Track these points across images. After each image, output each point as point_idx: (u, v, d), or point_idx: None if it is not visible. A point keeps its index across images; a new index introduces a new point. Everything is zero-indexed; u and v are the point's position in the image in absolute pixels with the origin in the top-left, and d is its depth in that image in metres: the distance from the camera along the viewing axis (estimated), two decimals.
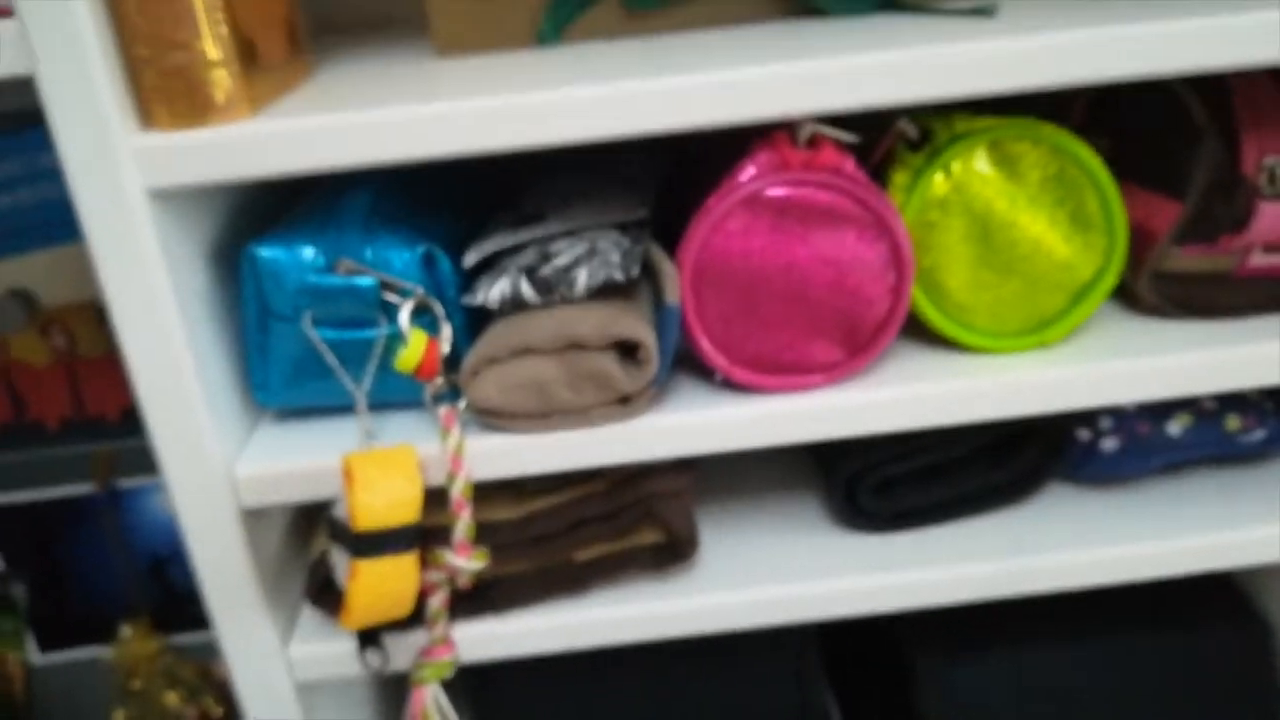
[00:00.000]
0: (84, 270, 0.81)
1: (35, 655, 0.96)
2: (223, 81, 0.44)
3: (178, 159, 0.44)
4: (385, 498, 0.47)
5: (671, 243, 0.52)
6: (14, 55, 0.42)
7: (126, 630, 0.90)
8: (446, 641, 0.51)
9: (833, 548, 0.57)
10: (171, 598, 0.92)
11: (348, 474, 0.47)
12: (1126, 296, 0.55)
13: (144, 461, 0.87)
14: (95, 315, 0.81)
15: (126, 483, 0.88)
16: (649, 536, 0.55)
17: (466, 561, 0.48)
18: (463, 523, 0.48)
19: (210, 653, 0.94)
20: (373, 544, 0.47)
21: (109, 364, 0.83)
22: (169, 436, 0.49)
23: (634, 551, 0.55)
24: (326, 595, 0.53)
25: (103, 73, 0.42)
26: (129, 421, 0.85)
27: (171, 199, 0.46)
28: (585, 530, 0.54)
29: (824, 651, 0.66)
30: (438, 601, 0.50)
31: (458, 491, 0.48)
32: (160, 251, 0.45)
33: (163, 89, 0.43)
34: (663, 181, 0.58)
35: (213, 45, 0.43)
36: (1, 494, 0.87)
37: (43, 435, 0.86)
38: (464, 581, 0.49)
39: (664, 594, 0.55)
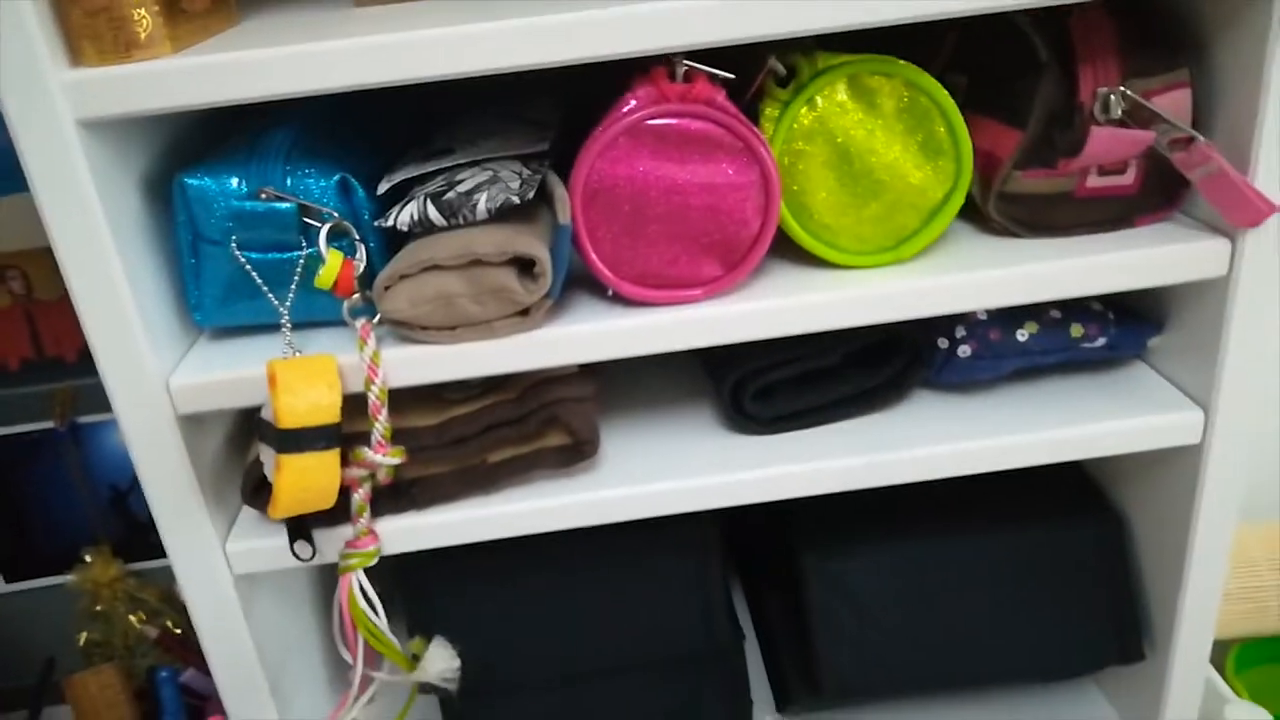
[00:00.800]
0: (38, 217, 0.85)
1: (1, 585, 1.01)
2: (144, 20, 0.48)
3: (104, 92, 0.48)
4: (306, 400, 0.52)
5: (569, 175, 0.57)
6: None
7: (88, 557, 0.95)
8: (370, 533, 0.57)
9: (721, 447, 0.64)
10: (132, 528, 0.98)
11: (271, 378, 0.52)
12: (978, 217, 0.61)
13: (102, 399, 0.92)
14: (51, 260, 0.85)
15: (86, 419, 0.93)
16: (555, 439, 0.61)
17: (384, 458, 0.54)
18: (379, 424, 0.54)
19: (172, 577, 1.00)
20: (295, 441, 0.52)
21: (65, 307, 0.87)
22: (110, 353, 0.54)
23: (542, 452, 0.61)
24: (260, 494, 0.59)
25: (31, 13, 0.47)
26: (86, 361, 0.90)
27: (103, 130, 0.51)
28: (497, 433, 0.60)
29: (732, 558, 0.73)
30: (360, 496, 0.56)
31: (374, 396, 0.54)
32: (93, 179, 0.50)
33: (89, 27, 0.48)
34: (563, 121, 0.63)
35: None
36: None
37: (4, 376, 0.91)
38: (383, 477, 0.55)
39: (570, 489, 0.61)
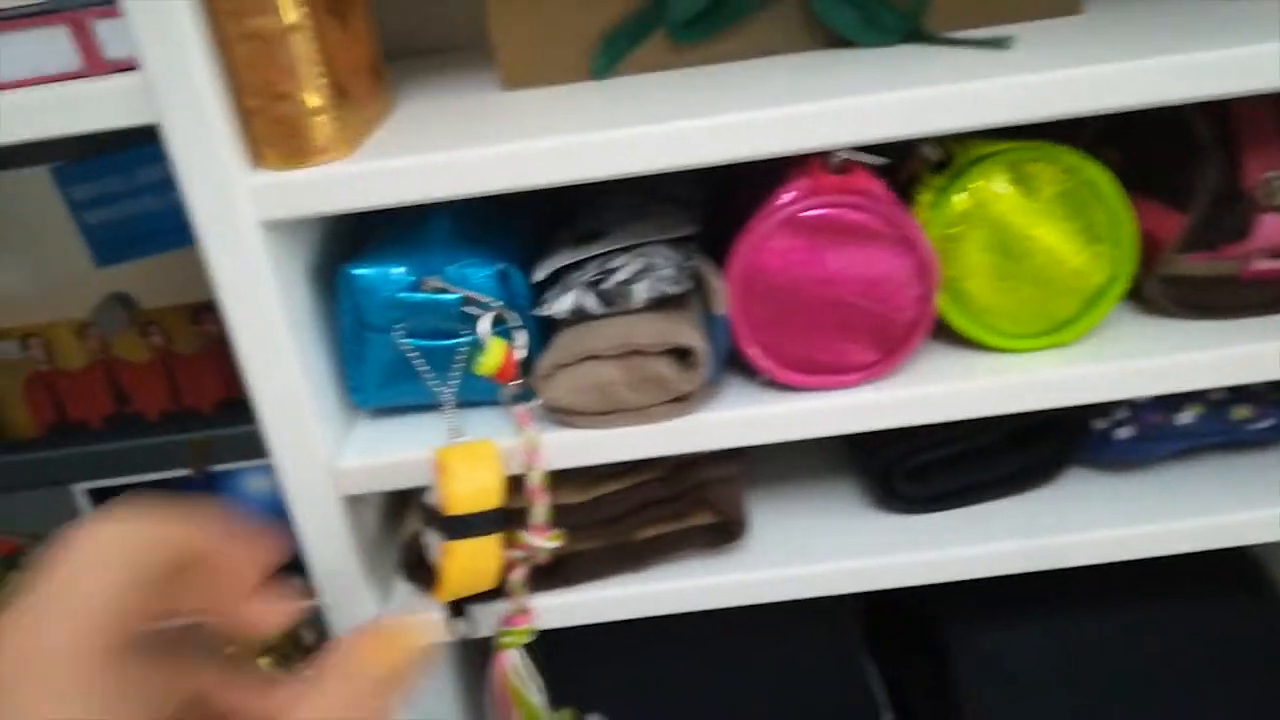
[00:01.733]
0: (178, 276, 0.89)
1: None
2: (322, 126, 0.50)
3: (286, 195, 0.50)
4: (471, 486, 0.53)
5: (717, 256, 0.57)
6: (140, 107, 0.49)
7: None
8: (526, 611, 0.58)
9: (869, 527, 0.63)
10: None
11: (440, 466, 0.53)
12: (1139, 298, 0.59)
13: (235, 448, 0.95)
14: (189, 316, 0.89)
15: (219, 467, 0.96)
16: (703, 517, 0.61)
17: (544, 541, 0.55)
18: (539, 508, 0.55)
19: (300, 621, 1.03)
20: (462, 527, 0.54)
21: (203, 360, 0.91)
22: (281, 435, 0.56)
23: (690, 531, 0.61)
24: (419, 571, 0.60)
25: (219, 121, 0.49)
26: (222, 412, 0.93)
27: (279, 228, 0.53)
28: (646, 512, 0.60)
29: (867, 631, 0.72)
30: (519, 576, 0.57)
31: (534, 481, 0.55)
32: (272, 274, 0.52)
33: (271, 134, 0.50)
34: (707, 200, 0.63)
35: (313, 95, 0.49)
36: (107, 479, 0.96)
37: (143, 426, 0.94)
38: (542, 558, 0.56)
39: (717, 569, 0.61)
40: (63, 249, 0.88)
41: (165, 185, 0.86)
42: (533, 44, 0.59)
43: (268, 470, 0.97)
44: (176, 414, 0.95)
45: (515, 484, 0.56)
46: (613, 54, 0.59)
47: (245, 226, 0.50)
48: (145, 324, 0.90)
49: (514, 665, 0.57)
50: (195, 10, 0.47)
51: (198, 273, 0.89)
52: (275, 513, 0.98)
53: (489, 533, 0.54)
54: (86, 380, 0.91)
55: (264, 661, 0.99)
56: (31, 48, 0.50)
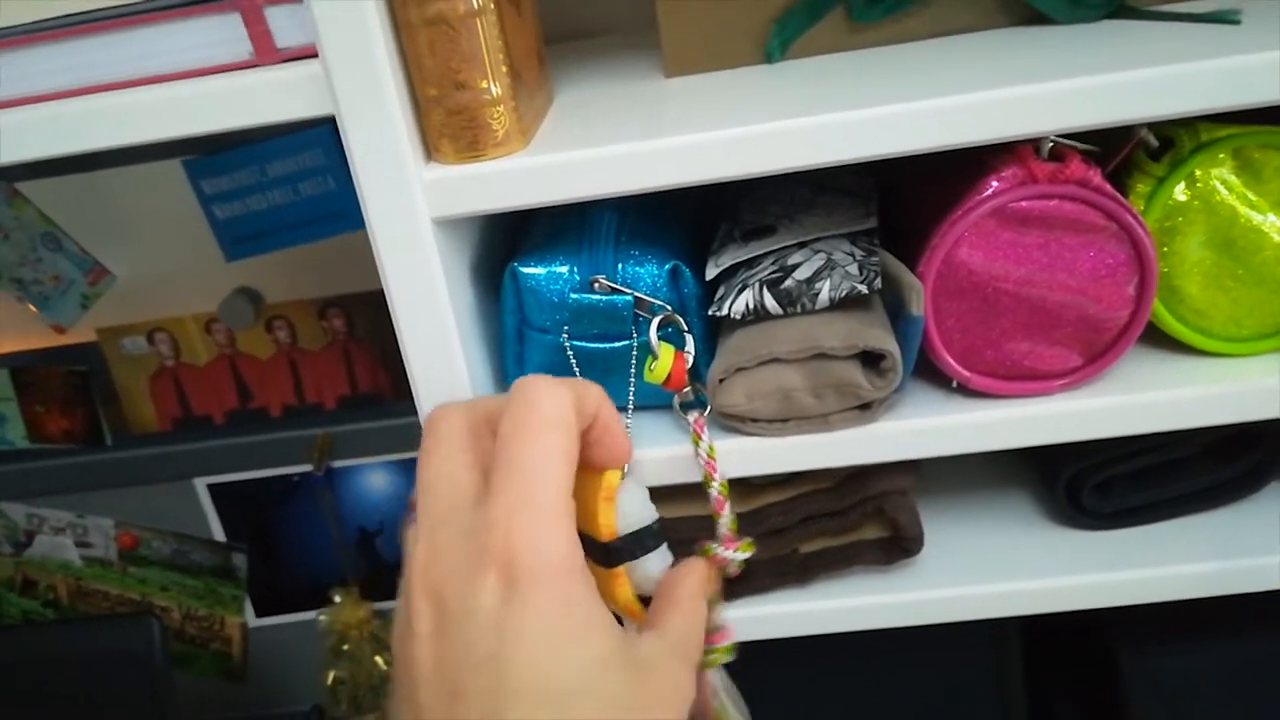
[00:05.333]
0: (306, 272, 0.88)
1: (252, 619, 1.05)
2: (502, 118, 0.47)
3: (461, 191, 0.48)
4: (581, 512, 0.50)
5: (893, 252, 0.54)
6: (317, 97, 0.47)
7: (338, 597, 0.98)
8: (724, 627, 0.54)
9: (1050, 544, 0.59)
10: (379, 568, 1.00)
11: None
12: None
13: (356, 444, 0.95)
14: (315, 312, 0.88)
15: (340, 464, 0.95)
16: (874, 531, 0.58)
17: (734, 554, 0.52)
18: (725, 518, 0.51)
19: None
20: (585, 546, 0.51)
21: (327, 357, 0.90)
22: None
23: (860, 545, 0.58)
24: None
25: (398, 112, 0.46)
26: (344, 408, 0.92)
27: (450, 224, 0.50)
28: (813, 524, 0.57)
29: (1025, 646, 0.68)
30: (715, 591, 0.54)
31: (716, 491, 0.51)
32: (442, 271, 0.50)
33: (449, 126, 0.47)
34: (880, 192, 0.60)
35: (495, 84, 0.47)
36: (229, 474, 0.96)
37: (267, 420, 0.94)
38: (734, 570, 0.53)
39: (888, 586, 0.58)
40: (192, 243, 0.88)
41: (295, 179, 0.85)
42: (700, 26, 0.56)
43: (389, 467, 0.96)
44: (299, 409, 0.95)
45: (693, 491, 0.53)
46: (787, 34, 0.56)
47: (419, 222, 0.48)
48: (271, 319, 0.89)
49: (716, 686, 0.54)
50: None
51: (325, 269, 0.88)
52: (398, 510, 0.98)
53: (597, 563, 0.51)
54: (211, 375, 0.91)
55: (380, 660, 0.99)
56: (201, 36, 0.49)
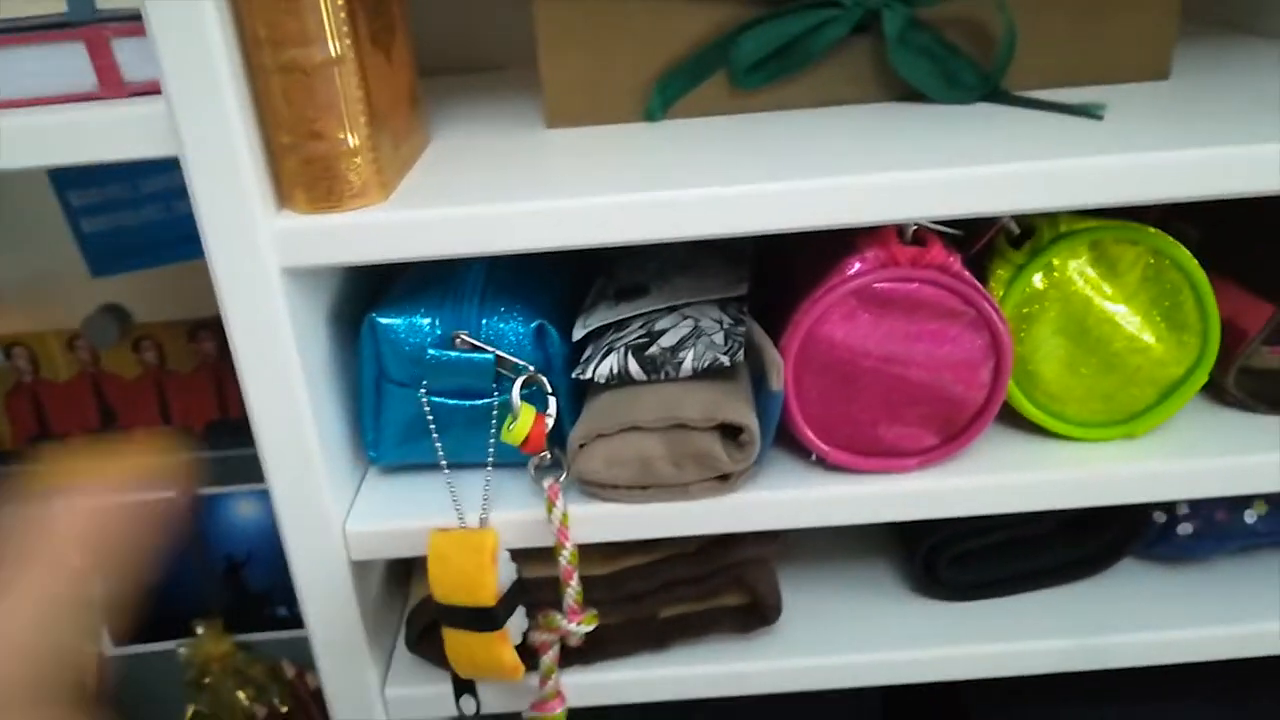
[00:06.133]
0: (177, 290, 0.84)
1: (109, 648, 1.00)
2: (360, 169, 0.46)
3: (313, 242, 0.46)
4: (463, 579, 0.49)
5: (767, 318, 0.54)
6: (161, 138, 0.45)
7: (200, 628, 0.94)
8: (559, 695, 0.53)
9: (908, 614, 0.59)
10: (244, 598, 0.96)
11: (431, 550, 0.49)
12: (1211, 388, 0.56)
13: (224, 471, 0.91)
14: (185, 333, 0.84)
15: (207, 490, 0.91)
16: (733, 598, 0.57)
17: (577, 626, 0.51)
18: (571, 589, 0.51)
19: (280, 651, 0.98)
20: (451, 616, 0.50)
21: (196, 379, 0.86)
22: (288, 493, 0.51)
23: (719, 611, 0.57)
24: (424, 643, 0.56)
25: (247, 158, 0.44)
26: (212, 433, 0.88)
27: (302, 274, 0.48)
28: (673, 590, 0.56)
29: (886, 710, 0.68)
30: (549, 658, 0.53)
31: (565, 560, 0.50)
32: (290, 322, 0.47)
33: (302, 174, 0.45)
34: (757, 253, 0.60)
35: (352, 134, 0.45)
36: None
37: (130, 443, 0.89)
38: (574, 642, 0.52)
39: (746, 654, 0.57)
40: (56, 255, 0.83)
41: (169, 196, 0.81)
42: (583, 81, 0.55)
43: (258, 495, 0.93)
44: (165, 433, 0.91)
45: (541, 556, 0.52)
46: (669, 95, 0.56)
47: (266, 272, 0.46)
48: (139, 339, 0.85)
49: None
50: (228, 35, 0.42)
51: (197, 289, 0.84)
52: (267, 540, 0.94)
53: (480, 629, 0.50)
54: (72, 393, 0.86)
55: (243, 694, 0.95)
56: (43, 64, 0.46)
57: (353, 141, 0.45)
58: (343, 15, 0.43)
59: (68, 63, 0.46)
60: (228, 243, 0.45)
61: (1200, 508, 0.57)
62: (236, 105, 0.43)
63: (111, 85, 0.46)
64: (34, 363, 0.85)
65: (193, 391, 0.87)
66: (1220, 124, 0.47)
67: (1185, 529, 0.57)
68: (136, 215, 0.80)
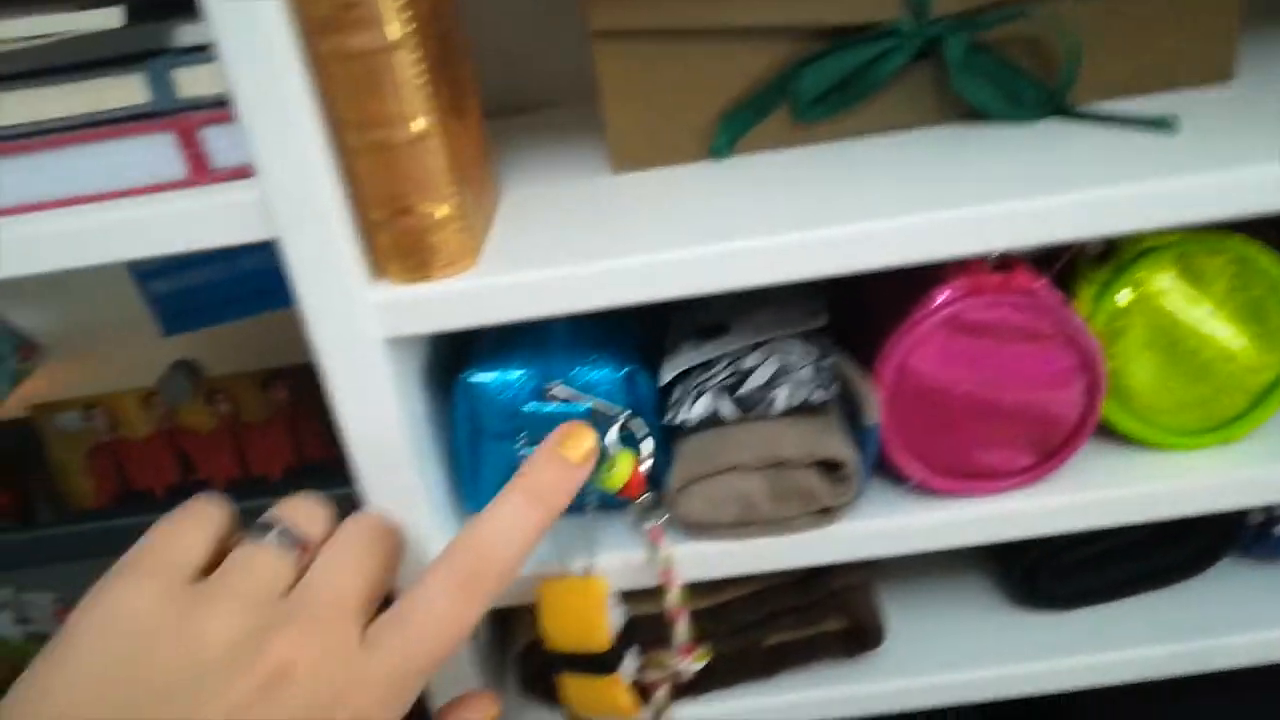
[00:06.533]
0: (246, 343, 0.85)
1: None
2: (450, 238, 0.46)
3: (410, 312, 0.47)
4: (574, 627, 0.50)
5: (840, 345, 0.54)
6: (255, 222, 0.45)
7: None
8: None
9: (1009, 628, 0.60)
10: None
11: (540, 600, 0.50)
12: None
13: None
14: (258, 384, 0.85)
15: None
16: (836, 624, 0.58)
17: (689, 664, 0.52)
18: (681, 628, 0.51)
19: None
20: (566, 662, 0.51)
21: (271, 428, 0.87)
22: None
23: (822, 638, 0.58)
24: (537, 684, 0.57)
25: (342, 236, 0.45)
26: (290, 480, 0.90)
27: (400, 342, 0.49)
28: (776, 619, 0.57)
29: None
30: (662, 695, 0.53)
31: (673, 601, 0.51)
32: (393, 389, 0.48)
33: (395, 248, 0.46)
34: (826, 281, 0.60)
35: (441, 205, 0.46)
36: None
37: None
38: (686, 678, 0.53)
39: (851, 678, 0.58)
40: (125, 313, 0.85)
41: (231, 254, 0.83)
42: (646, 124, 0.56)
43: None
44: (243, 482, 0.92)
45: (647, 595, 0.53)
46: (733, 132, 0.56)
47: (368, 343, 0.47)
48: (212, 392, 0.87)
49: None
50: (316, 119, 0.43)
51: (266, 340, 0.86)
52: None
53: (595, 673, 0.51)
54: (151, 450, 0.88)
55: None
56: (131, 156, 0.47)
57: (442, 213, 0.46)
58: (425, 93, 0.44)
59: (156, 153, 0.47)
60: (328, 317, 0.46)
61: None
62: (329, 185, 0.44)
63: (201, 172, 0.47)
64: (113, 422, 0.87)
65: (268, 439, 0.88)
66: None
67: None
68: (201, 275, 0.82)
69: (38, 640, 0.98)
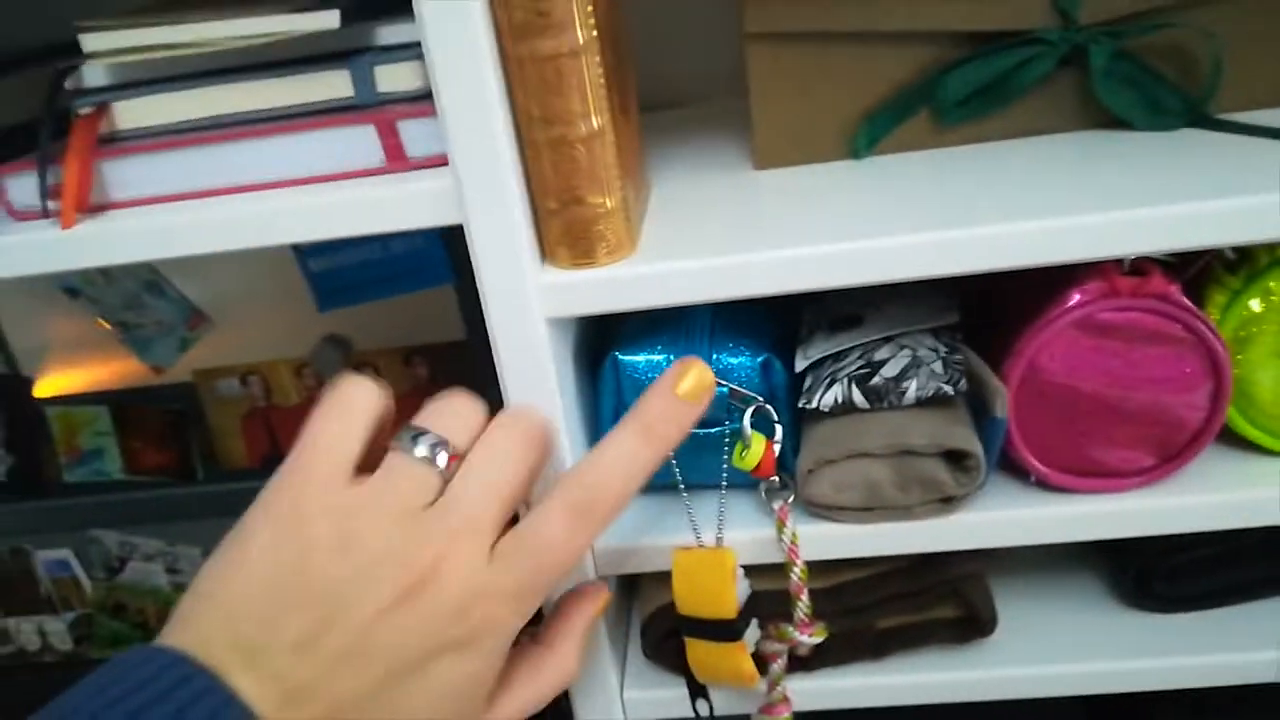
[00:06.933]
0: (392, 319, 0.92)
1: None
2: (614, 228, 0.51)
3: (575, 294, 0.51)
4: (704, 594, 0.54)
5: (970, 340, 0.56)
6: (446, 207, 0.51)
7: None
8: (785, 700, 0.58)
9: (1118, 626, 0.61)
10: None
11: (675, 567, 0.54)
12: None
13: None
14: (401, 359, 0.92)
15: None
16: (948, 610, 0.60)
17: (808, 637, 0.55)
18: (803, 603, 0.55)
19: None
20: (693, 628, 0.55)
21: (411, 400, 0.94)
22: None
23: (934, 623, 0.60)
24: (663, 649, 0.61)
25: (521, 223, 0.50)
26: None
27: (561, 321, 0.54)
28: (889, 603, 0.60)
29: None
30: (778, 666, 0.57)
31: (796, 576, 0.55)
32: (553, 366, 0.53)
33: (565, 235, 0.51)
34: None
35: (609, 197, 0.50)
36: None
37: (247, 472, 0.98)
38: (804, 651, 0.56)
39: (960, 663, 0.60)
40: (281, 287, 0.92)
41: (384, 237, 0.89)
42: (791, 124, 0.59)
43: None
44: (276, 459, 0.99)
45: (770, 571, 0.56)
46: (875, 133, 0.59)
47: (534, 322, 0.52)
48: (359, 364, 0.94)
49: None
50: (506, 115, 0.48)
51: (410, 318, 0.93)
52: None
53: (721, 640, 0.54)
54: (301, 417, 0.95)
55: None
56: (335, 145, 0.53)
57: (609, 204, 0.50)
58: (603, 94, 0.48)
59: (358, 143, 0.52)
60: (504, 299, 0.51)
61: None
62: (513, 176, 0.49)
63: (397, 160, 0.52)
64: (267, 389, 0.95)
65: (407, 412, 0.95)
66: None
67: None
68: (356, 254, 0.89)
69: (183, 592, 1.07)
